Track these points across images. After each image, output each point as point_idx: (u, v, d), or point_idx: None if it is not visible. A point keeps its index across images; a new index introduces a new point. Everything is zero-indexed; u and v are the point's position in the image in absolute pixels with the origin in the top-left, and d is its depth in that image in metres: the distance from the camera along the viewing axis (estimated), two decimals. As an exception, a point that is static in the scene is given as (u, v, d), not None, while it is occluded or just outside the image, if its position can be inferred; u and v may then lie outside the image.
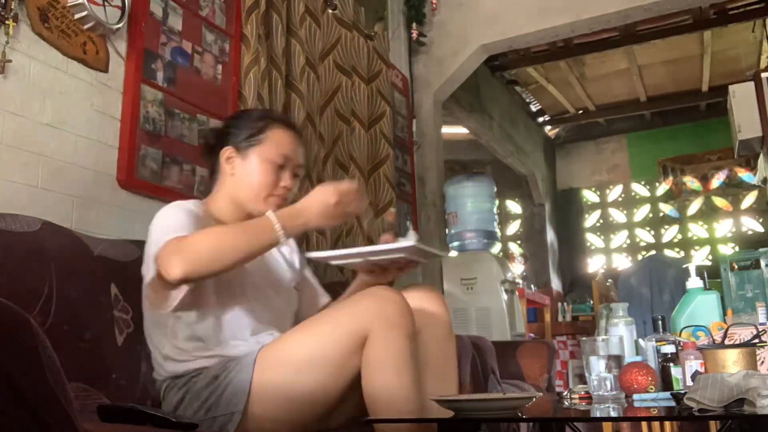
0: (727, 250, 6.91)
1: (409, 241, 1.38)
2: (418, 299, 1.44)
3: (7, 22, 1.59)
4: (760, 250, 3.44)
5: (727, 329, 1.59)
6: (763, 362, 1.50)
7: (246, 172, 1.46)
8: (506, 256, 6.90)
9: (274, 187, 1.47)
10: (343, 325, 1.29)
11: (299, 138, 1.54)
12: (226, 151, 1.48)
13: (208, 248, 1.24)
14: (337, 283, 2.53)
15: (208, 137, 1.58)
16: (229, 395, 1.28)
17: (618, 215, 7.67)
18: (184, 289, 1.29)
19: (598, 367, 1.46)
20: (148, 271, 1.32)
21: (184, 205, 1.40)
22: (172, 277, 1.23)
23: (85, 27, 1.82)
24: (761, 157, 4.41)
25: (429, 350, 1.41)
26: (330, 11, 3.04)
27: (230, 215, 1.50)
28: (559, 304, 6.00)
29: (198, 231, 1.28)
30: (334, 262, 1.49)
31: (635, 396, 1.43)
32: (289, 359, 1.29)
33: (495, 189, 4.22)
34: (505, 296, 3.77)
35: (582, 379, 1.59)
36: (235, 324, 1.41)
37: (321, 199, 1.31)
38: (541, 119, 7.25)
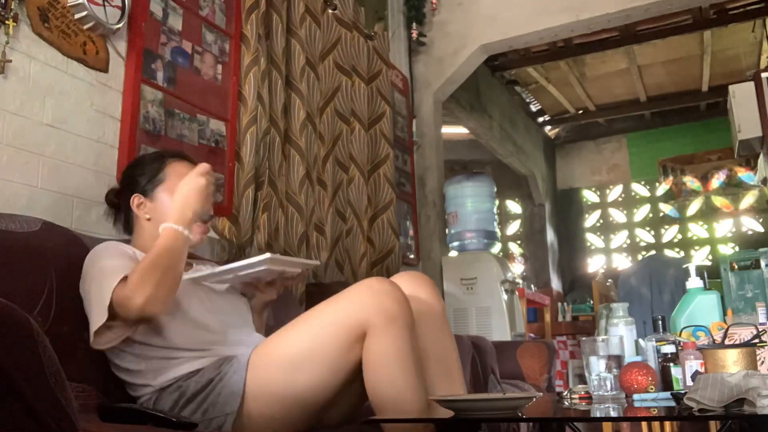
0: (727, 250, 6.91)
1: (264, 254, 1.43)
2: (410, 286, 1.44)
3: (7, 22, 1.59)
4: (760, 250, 3.43)
5: (727, 329, 1.59)
6: (763, 362, 1.50)
7: (159, 210, 1.51)
8: (506, 256, 6.90)
9: None
10: (340, 321, 1.28)
11: (195, 165, 1.58)
12: (135, 199, 1.52)
13: (151, 276, 1.27)
14: (337, 283, 2.53)
15: (110, 198, 1.62)
16: (225, 396, 1.27)
17: (618, 215, 7.67)
18: (120, 334, 1.31)
19: (598, 367, 1.46)
20: (95, 318, 1.28)
21: (116, 246, 1.42)
22: (138, 315, 1.25)
23: (85, 27, 1.82)
24: (761, 157, 4.40)
25: (427, 340, 1.40)
26: (330, 11, 3.04)
27: None
28: (559, 304, 6.00)
29: (132, 270, 1.29)
30: (207, 283, 1.50)
31: (635, 396, 1.43)
32: (284, 357, 1.28)
33: (495, 189, 4.22)
34: (505, 296, 3.77)
35: (582, 379, 1.59)
36: (203, 322, 1.41)
37: (186, 183, 1.41)
38: (541, 119, 7.25)
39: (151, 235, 1.50)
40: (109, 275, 1.30)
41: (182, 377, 1.34)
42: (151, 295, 1.25)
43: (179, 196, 1.41)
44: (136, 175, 1.55)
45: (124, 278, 1.29)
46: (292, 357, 1.28)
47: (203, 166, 1.45)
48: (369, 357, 1.26)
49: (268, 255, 1.42)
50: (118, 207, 1.60)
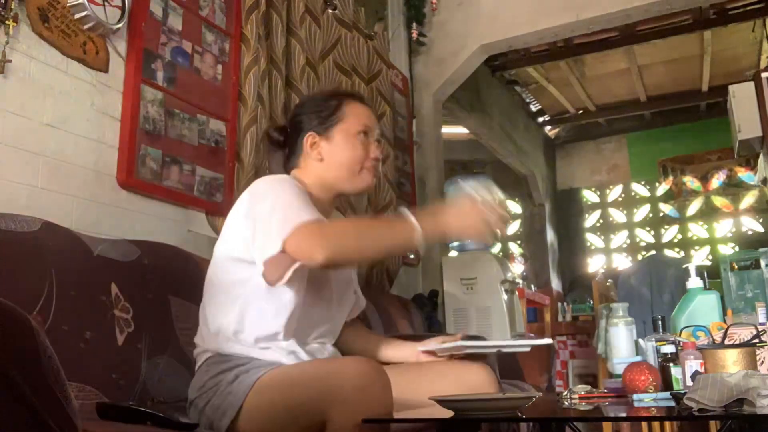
0: (727, 250, 6.91)
1: (547, 339, 1.45)
2: (471, 374, 1.41)
3: (7, 22, 1.59)
4: (760, 250, 3.43)
5: (727, 329, 1.59)
6: (763, 362, 1.50)
7: (335, 151, 1.45)
8: (506, 256, 6.90)
9: (365, 160, 1.47)
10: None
11: (371, 107, 1.54)
12: (309, 138, 1.46)
13: (353, 238, 1.24)
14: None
15: (273, 135, 1.56)
16: (225, 394, 1.27)
17: (618, 215, 7.67)
18: (297, 264, 1.24)
19: None
20: (267, 244, 1.23)
21: (293, 182, 1.35)
22: (313, 260, 1.19)
23: (85, 27, 1.82)
24: (761, 157, 4.40)
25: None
26: (330, 11, 3.04)
27: (321, 196, 1.47)
28: (559, 304, 6.00)
29: (340, 219, 1.28)
30: (468, 351, 1.45)
31: (635, 396, 1.43)
32: (287, 378, 1.26)
33: (495, 189, 4.22)
34: (505, 296, 3.76)
35: (582, 379, 1.59)
36: (305, 322, 1.39)
37: (458, 203, 1.25)
38: (541, 119, 7.25)
39: (320, 177, 1.46)
40: (296, 210, 1.24)
41: (242, 358, 1.32)
42: (336, 258, 1.20)
43: (447, 205, 1.27)
44: (310, 112, 1.48)
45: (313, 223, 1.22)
46: (293, 379, 1.24)
47: (484, 194, 1.25)
48: None
49: (550, 340, 1.43)
50: (282, 145, 1.52)
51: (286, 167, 1.52)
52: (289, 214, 1.24)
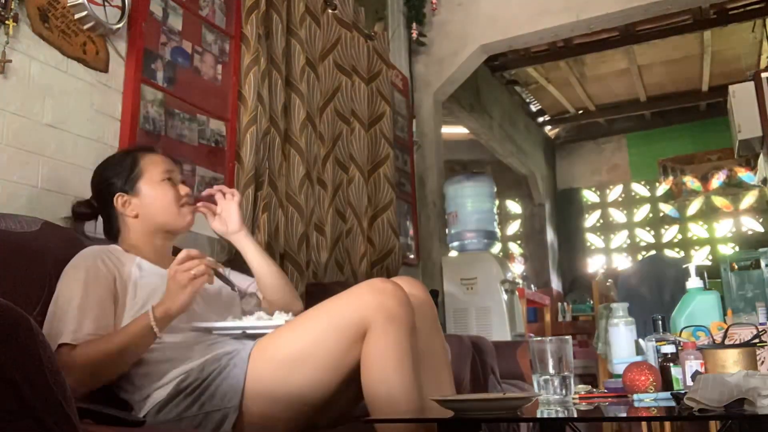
0: (727, 250, 6.91)
1: (284, 316, 1.41)
2: (407, 289, 1.41)
3: (7, 22, 1.59)
4: (760, 250, 3.43)
5: (727, 329, 1.59)
6: (763, 362, 1.50)
7: (147, 203, 1.51)
8: (506, 256, 6.90)
9: (179, 199, 1.53)
10: (342, 319, 1.28)
11: (162, 154, 1.60)
12: (119, 199, 1.51)
13: (101, 364, 1.23)
14: (337, 283, 2.53)
15: (81, 210, 1.60)
16: (224, 390, 1.27)
17: (618, 215, 7.67)
18: None
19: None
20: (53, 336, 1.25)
21: (90, 265, 1.36)
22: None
23: (85, 27, 1.82)
24: (761, 157, 4.41)
25: (420, 341, 1.39)
26: (330, 11, 3.05)
27: (150, 247, 1.51)
28: (559, 304, 6.00)
29: (87, 345, 1.24)
30: (219, 333, 1.48)
31: (635, 396, 1.43)
32: (285, 355, 1.28)
33: (495, 189, 4.22)
34: (505, 296, 3.77)
35: (582, 379, 1.59)
36: (200, 320, 1.41)
37: (168, 277, 1.28)
38: (541, 119, 7.25)
39: (140, 233, 1.51)
40: (67, 318, 1.26)
41: (182, 373, 1.33)
42: (89, 384, 1.22)
43: (169, 290, 1.27)
44: (112, 176, 1.53)
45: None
46: (294, 355, 1.27)
47: (179, 256, 1.28)
48: (368, 356, 1.26)
49: (289, 317, 1.40)
50: (94, 216, 1.59)
51: (109, 236, 1.56)
52: (56, 325, 1.26)
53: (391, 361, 1.24)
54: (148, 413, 1.30)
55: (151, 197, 1.51)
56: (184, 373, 1.33)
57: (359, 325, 1.26)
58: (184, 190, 1.55)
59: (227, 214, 1.66)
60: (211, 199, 1.67)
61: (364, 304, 1.27)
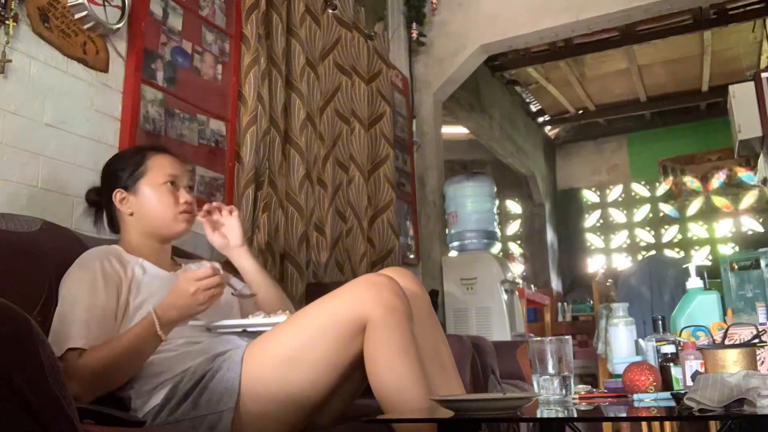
0: (727, 250, 6.91)
1: (282, 315, 1.41)
2: (398, 280, 1.41)
3: (7, 22, 1.59)
4: (760, 250, 3.43)
5: (727, 329, 1.59)
6: (763, 362, 1.50)
7: (143, 203, 1.49)
8: (506, 256, 6.90)
9: (176, 206, 1.50)
10: (339, 315, 1.28)
11: (176, 157, 1.57)
12: (117, 194, 1.50)
13: (109, 370, 1.23)
14: (337, 283, 2.53)
15: (91, 196, 1.60)
16: (219, 393, 1.26)
17: (618, 215, 7.67)
18: None
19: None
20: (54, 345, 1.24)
21: (97, 265, 1.36)
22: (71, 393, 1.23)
23: (85, 27, 1.82)
24: (761, 157, 4.40)
25: (418, 333, 1.38)
26: (330, 11, 3.05)
27: (149, 248, 1.51)
28: (559, 304, 6.00)
29: (94, 349, 1.24)
30: (221, 331, 1.48)
31: (635, 396, 1.43)
32: (281, 354, 1.27)
33: (495, 189, 4.22)
34: (505, 296, 3.77)
35: (582, 379, 1.59)
36: (195, 321, 1.41)
37: (183, 289, 1.27)
38: (541, 119, 7.25)
39: (137, 232, 1.50)
40: (73, 321, 1.26)
41: (176, 375, 1.33)
42: (96, 390, 1.22)
43: (173, 292, 1.27)
44: (117, 170, 1.52)
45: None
46: (292, 353, 1.27)
47: (200, 273, 1.26)
48: (372, 347, 1.26)
49: (287, 316, 1.40)
50: (100, 205, 1.58)
51: (112, 228, 1.56)
52: (63, 329, 1.25)
53: (396, 351, 1.24)
54: (147, 414, 1.30)
55: (148, 198, 1.49)
56: (179, 374, 1.32)
57: (357, 321, 1.26)
58: (184, 197, 1.52)
59: (229, 229, 1.65)
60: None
61: (361, 298, 1.28)
